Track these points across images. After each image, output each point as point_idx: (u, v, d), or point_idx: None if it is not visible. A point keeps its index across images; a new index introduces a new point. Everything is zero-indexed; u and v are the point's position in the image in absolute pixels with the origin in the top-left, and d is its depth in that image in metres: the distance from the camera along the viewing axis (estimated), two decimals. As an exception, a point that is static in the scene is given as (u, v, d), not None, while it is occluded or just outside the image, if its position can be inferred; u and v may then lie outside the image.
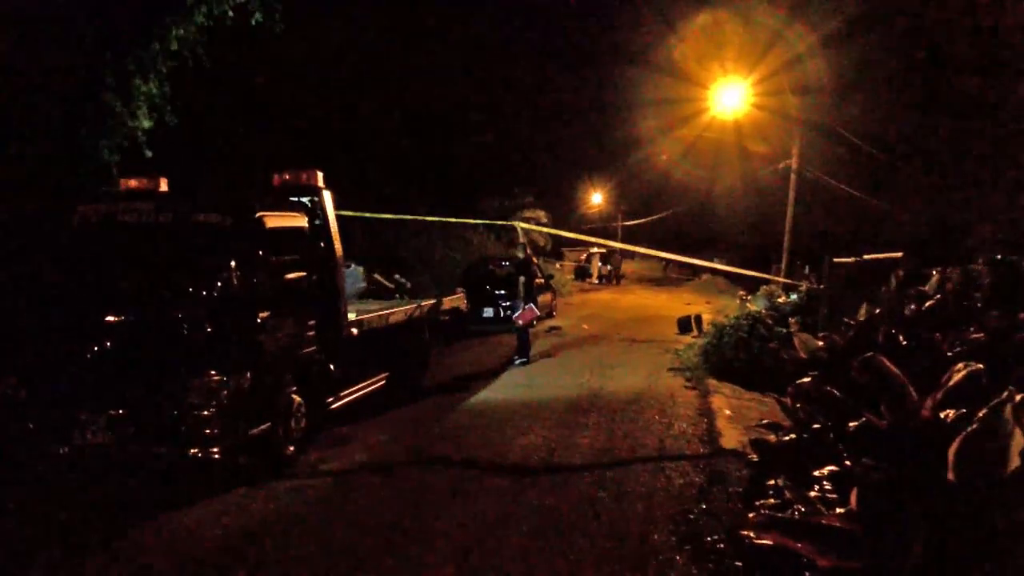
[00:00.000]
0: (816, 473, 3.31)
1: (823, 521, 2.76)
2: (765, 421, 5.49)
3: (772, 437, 5.03)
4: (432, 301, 11.47)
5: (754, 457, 5.04)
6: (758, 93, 20.50)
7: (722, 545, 5.22)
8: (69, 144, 11.16)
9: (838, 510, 2.87)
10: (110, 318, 6.58)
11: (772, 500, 3.81)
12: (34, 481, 6.68)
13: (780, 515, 3.08)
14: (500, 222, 23.86)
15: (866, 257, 12.64)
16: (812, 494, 3.17)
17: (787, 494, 3.33)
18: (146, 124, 11.79)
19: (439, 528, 5.68)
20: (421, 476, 7.02)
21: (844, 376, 4.05)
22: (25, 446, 6.59)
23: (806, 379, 4.77)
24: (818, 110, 20.45)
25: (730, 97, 20.96)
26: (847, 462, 3.20)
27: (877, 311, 6.08)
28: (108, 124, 11.46)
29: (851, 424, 3.34)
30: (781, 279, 19.49)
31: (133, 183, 8.12)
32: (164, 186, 8.09)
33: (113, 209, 7.37)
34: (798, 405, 4.54)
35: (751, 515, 2.93)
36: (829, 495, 3.13)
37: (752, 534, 3.07)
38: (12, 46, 10.39)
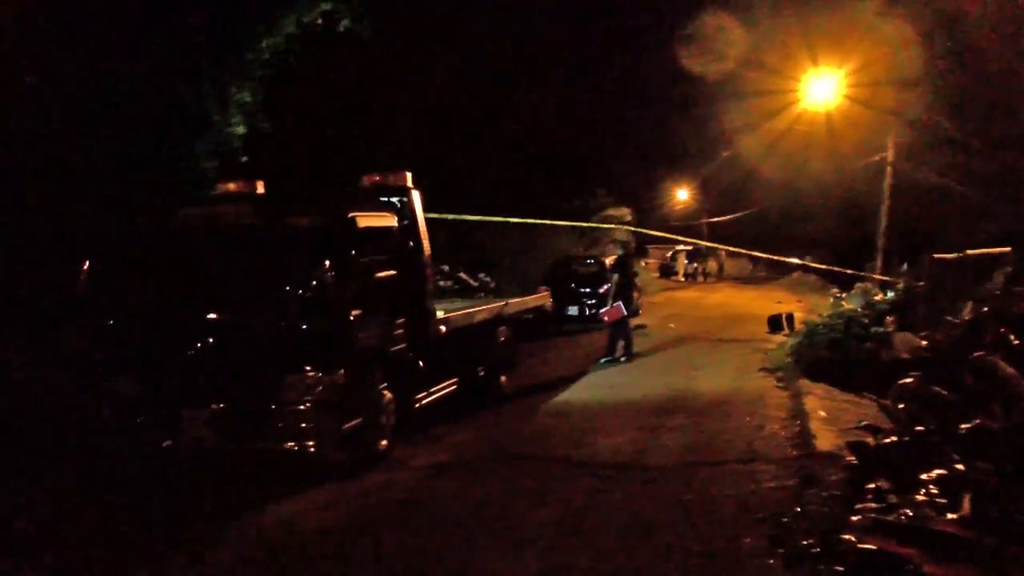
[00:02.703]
0: (923, 476, 3.17)
1: (935, 526, 2.63)
2: (864, 423, 5.29)
3: (871, 439, 4.86)
4: (517, 299, 11.51)
5: (852, 459, 4.88)
6: (851, 84, 19.77)
7: (817, 549, 5.05)
8: (170, 151, 11.70)
9: (949, 515, 2.74)
10: (211, 317, 6.86)
11: (873, 504, 3.67)
12: (143, 473, 7.02)
13: (887, 519, 2.96)
14: (588, 224, 23.77)
15: (969, 252, 12.02)
16: (918, 498, 3.03)
17: (893, 497, 3.20)
18: (241, 130, 12.25)
19: (524, 526, 5.69)
20: (507, 475, 7.04)
21: (950, 377, 3.87)
22: (136, 440, 6.92)
23: (908, 379, 4.59)
24: (914, 101, 19.59)
25: (821, 88, 20.29)
26: (957, 465, 3.06)
27: (984, 309, 5.77)
28: (205, 131, 11.97)
29: (963, 426, 3.19)
30: (877, 276, 18.79)
31: (231, 186, 8.42)
32: (261, 188, 8.36)
33: (213, 212, 7.68)
34: (900, 406, 4.36)
35: (855, 518, 2.83)
36: (937, 499, 2.99)
37: (853, 538, 2.97)
38: (116, 60, 10.94)
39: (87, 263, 7.45)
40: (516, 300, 11.45)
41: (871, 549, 2.78)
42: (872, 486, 3.98)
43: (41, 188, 10.23)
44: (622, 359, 13.38)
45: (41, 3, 10.41)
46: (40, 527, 5.85)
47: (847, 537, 3.11)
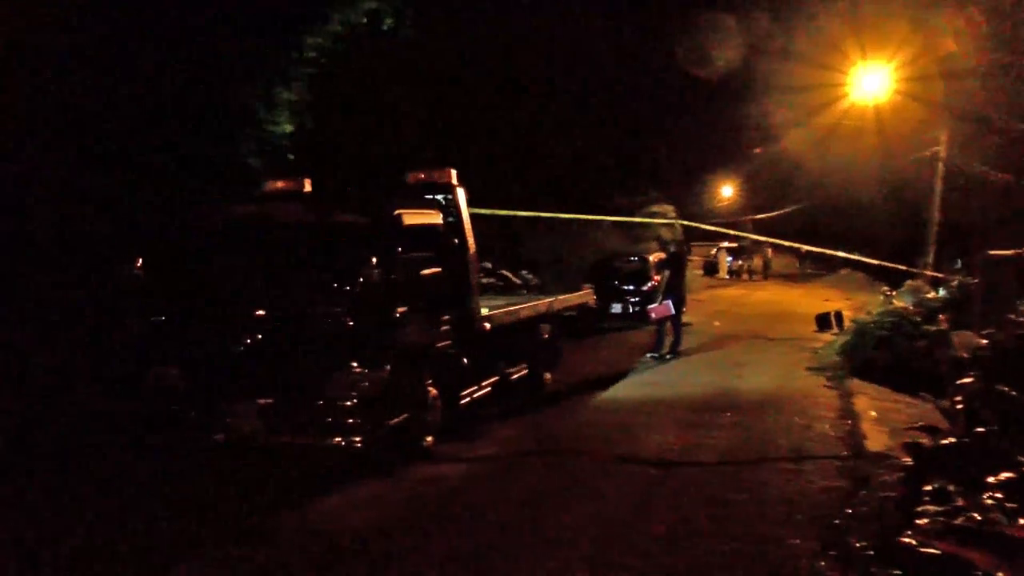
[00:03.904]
0: (991, 480, 3.05)
1: (1008, 531, 2.53)
2: (920, 423, 5.15)
3: (926, 440, 4.72)
4: (561, 297, 11.47)
5: (906, 461, 4.74)
6: (901, 78, 19.28)
7: (871, 552, 4.93)
8: (217, 149, 11.88)
9: (1021, 521, 2.63)
10: (259, 313, 6.95)
11: (933, 507, 3.56)
12: (192, 467, 7.13)
13: (955, 523, 2.86)
14: (640, 219, 23.55)
15: (1028, 249, 11.66)
16: (986, 502, 2.92)
17: (960, 501, 3.09)
18: (287, 128, 12.42)
19: (569, 523, 5.65)
20: (551, 472, 7.02)
21: (1016, 377, 3.73)
22: (186, 434, 7.04)
23: (967, 379, 4.44)
24: (967, 94, 19.04)
25: (871, 82, 19.83)
26: (1029, 469, 2.94)
27: (1049, 307, 5.58)
28: (252, 130, 12.14)
29: (1036, 428, 3.07)
30: (928, 273, 18.35)
31: (279, 184, 8.50)
32: (308, 187, 8.43)
33: (261, 210, 7.78)
34: (959, 407, 4.23)
35: (922, 522, 2.74)
36: (1006, 504, 2.88)
37: (915, 541, 2.88)
38: (168, 61, 11.13)
39: (139, 259, 7.59)
40: (560, 297, 11.40)
41: (935, 553, 2.68)
42: (929, 488, 3.86)
43: (77, 185, 10.40)
44: (668, 356, 13.28)
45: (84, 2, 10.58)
46: (86, 522, 5.95)
47: (907, 540, 3.01)
